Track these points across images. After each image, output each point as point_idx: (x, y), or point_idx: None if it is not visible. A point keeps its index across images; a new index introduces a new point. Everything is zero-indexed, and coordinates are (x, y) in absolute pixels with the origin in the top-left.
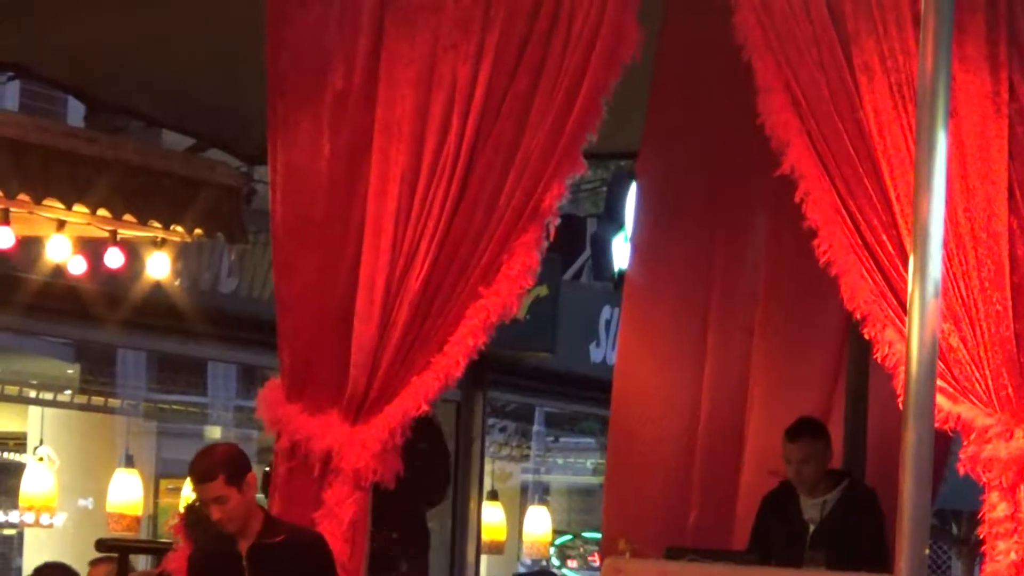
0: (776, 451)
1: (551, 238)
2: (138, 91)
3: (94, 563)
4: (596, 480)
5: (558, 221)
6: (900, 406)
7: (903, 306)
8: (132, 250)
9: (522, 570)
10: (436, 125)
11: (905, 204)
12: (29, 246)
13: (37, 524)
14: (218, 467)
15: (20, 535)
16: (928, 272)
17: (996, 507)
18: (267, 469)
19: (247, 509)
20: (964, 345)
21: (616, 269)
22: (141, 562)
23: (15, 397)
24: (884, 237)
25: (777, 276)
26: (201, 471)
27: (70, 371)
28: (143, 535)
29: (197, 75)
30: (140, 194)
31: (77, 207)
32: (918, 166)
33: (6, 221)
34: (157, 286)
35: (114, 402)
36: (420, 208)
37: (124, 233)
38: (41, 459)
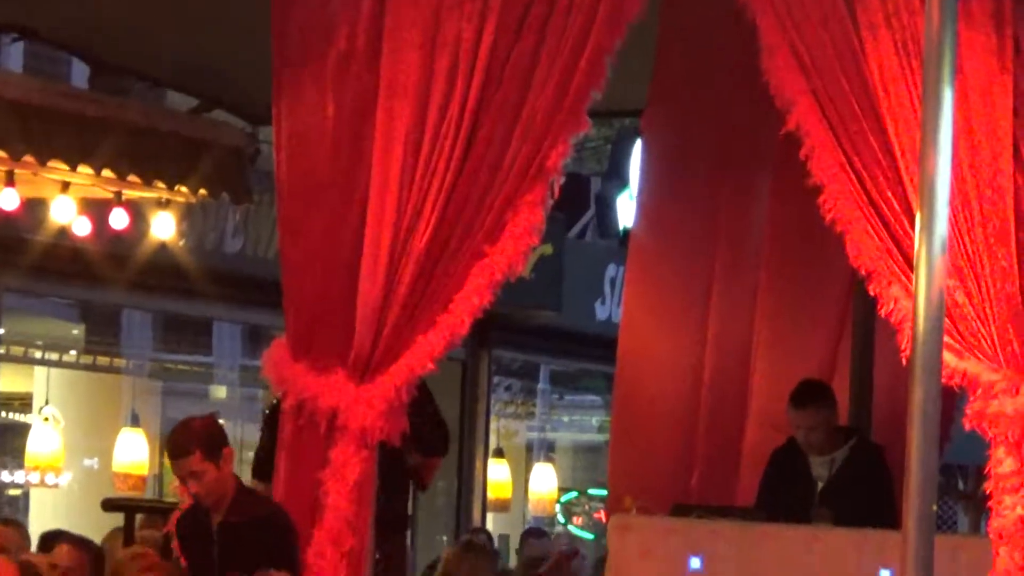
0: (780, 408)
1: (555, 197)
2: (142, 52)
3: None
4: (601, 438)
5: (563, 180)
6: (906, 362)
7: (909, 262)
8: (137, 211)
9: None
10: (440, 86)
11: (910, 161)
12: (34, 207)
13: (43, 484)
14: (195, 442)
15: (26, 495)
16: (934, 229)
17: (1002, 462)
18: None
19: (223, 483)
20: (970, 301)
21: (621, 227)
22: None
23: (21, 358)
24: (889, 194)
25: (782, 233)
26: (178, 446)
27: (75, 331)
28: (149, 494)
29: (201, 36)
30: (145, 155)
31: (82, 168)
32: (924, 123)
33: (11, 183)
34: (162, 247)
35: (119, 362)
36: (425, 168)
37: (129, 194)
38: (47, 419)
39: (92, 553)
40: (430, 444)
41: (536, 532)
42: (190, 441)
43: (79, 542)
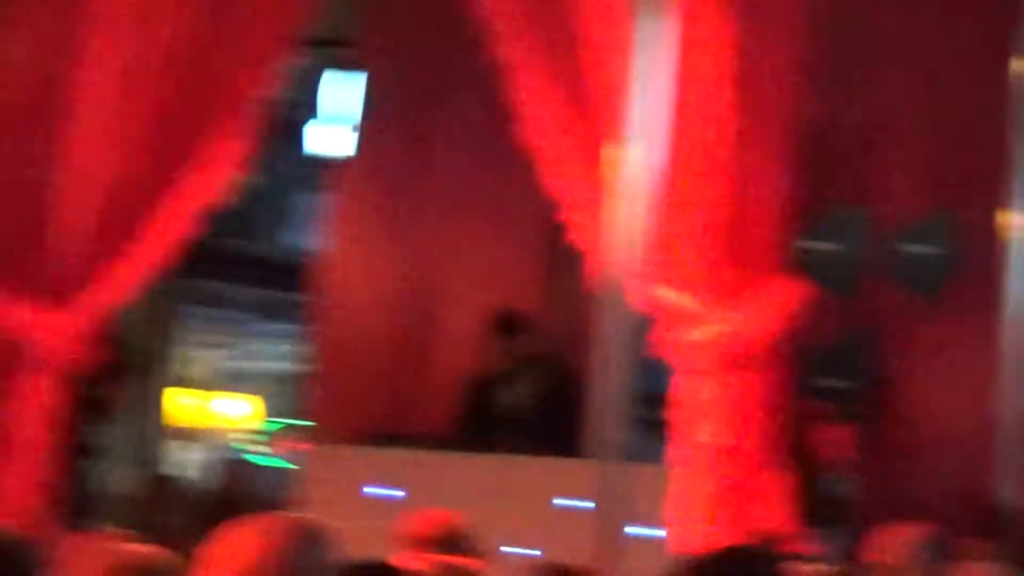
0: (476, 336)
1: (255, 125)
2: None
3: None
4: (295, 367)
5: (262, 108)
6: (597, 290)
7: (605, 190)
8: None
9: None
10: (140, 13)
11: (614, 90)
12: None
13: None
14: None
15: None
16: (632, 157)
17: (690, 390)
18: None
19: None
20: (665, 229)
21: (314, 156)
22: None
23: None
24: (592, 124)
25: (482, 161)
26: None
27: None
28: None
29: None
30: None
31: None
32: (634, 56)
33: None
34: None
35: None
36: (119, 94)
37: None
38: None
39: None
40: (111, 372)
41: (237, 461)
42: None
43: None
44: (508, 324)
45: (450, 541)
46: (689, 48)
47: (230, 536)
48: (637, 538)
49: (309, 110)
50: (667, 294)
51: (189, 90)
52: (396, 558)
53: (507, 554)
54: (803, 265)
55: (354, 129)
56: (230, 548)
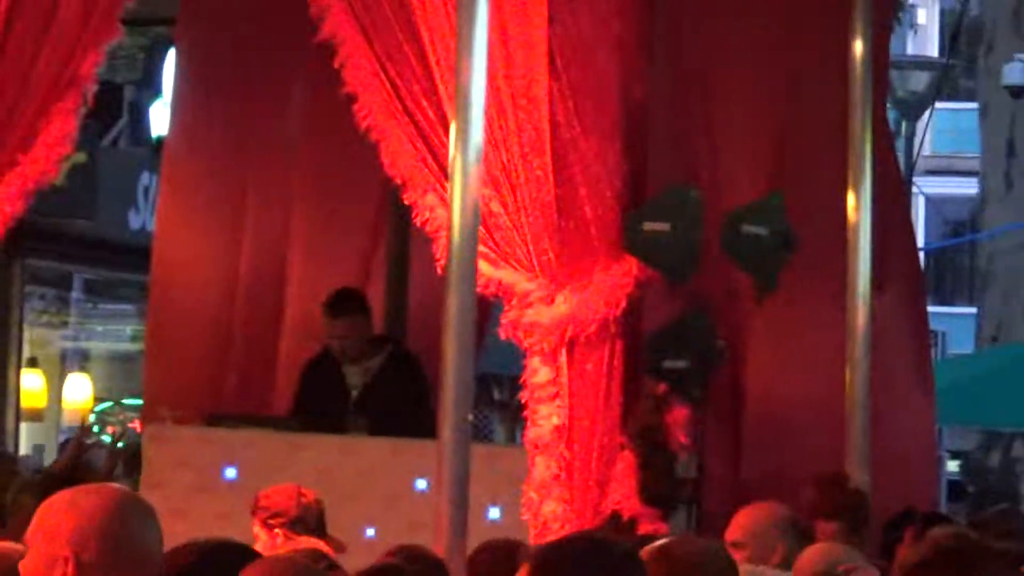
0: (316, 316)
1: (89, 104)
2: None
3: None
4: (136, 347)
5: (96, 87)
6: (441, 272)
7: (444, 172)
8: None
9: (62, 438)
10: None
11: (445, 71)
12: None
13: None
14: None
15: None
16: (469, 138)
17: (538, 372)
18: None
19: None
20: (505, 210)
21: (155, 135)
22: None
23: None
24: (425, 103)
25: (318, 140)
26: None
27: None
28: None
29: None
30: None
31: None
32: (459, 32)
33: None
34: None
35: None
36: None
37: None
38: None
39: None
40: None
41: (78, 441)
42: None
43: None
44: (346, 303)
45: (304, 518)
46: (505, 23)
47: (54, 504)
48: (490, 521)
49: (154, 90)
50: (505, 274)
51: (23, 69)
52: (252, 538)
53: (359, 536)
54: (638, 246)
55: (166, 106)
56: (53, 515)
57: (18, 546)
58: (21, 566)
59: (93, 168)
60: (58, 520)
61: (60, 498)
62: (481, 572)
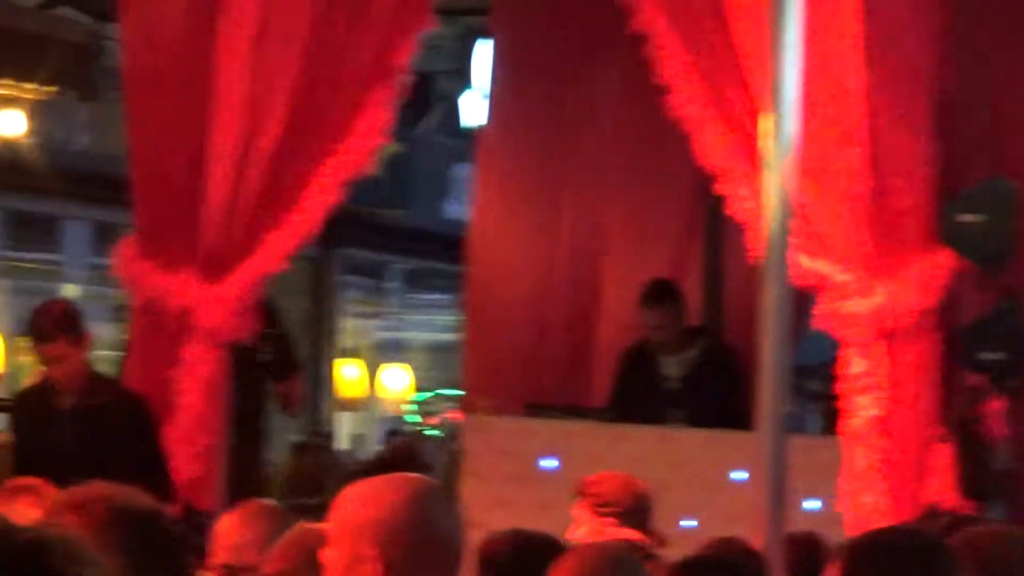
0: (632, 305)
1: (403, 95)
2: None
3: None
4: (451, 337)
5: (409, 78)
6: (755, 263)
7: (757, 163)
8: None
9: (380, 428)
10: None
11: (757, 61)
12: None
13: None
14: (59, 327)
15: None
16: (783, 129)
17: (854, 363)
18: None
19: (84, 367)
20: (820, 201)
21: (468, 125)
22: None
23: None
24: (737, 93)
25: (632, 131)
26: (43, 331)
27: None
28: (2, 393)
29: None
30: None
31: None
32: (772, 22)
33: None
34: (9, 144)
35: None
36: (272, 65)
37: None
38: None
39: None
40: (283, 369)
41: (396, 431)
42: (56, 325)
43: None
44: (661, 294)
45: (633, 508)
46: (820, 15)
47: (356, 497)
48: (806, 512)
49: (466, 80)
50: (820, 266)
51: (338, 60)
52: (572, 528)
53: (679, 528)
54: (953, 237)
55: (484, 97)
56: (356, 508)
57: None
58: (323, 556)
59: (407, 158)
60: (363, 515)
61: (362, 491)
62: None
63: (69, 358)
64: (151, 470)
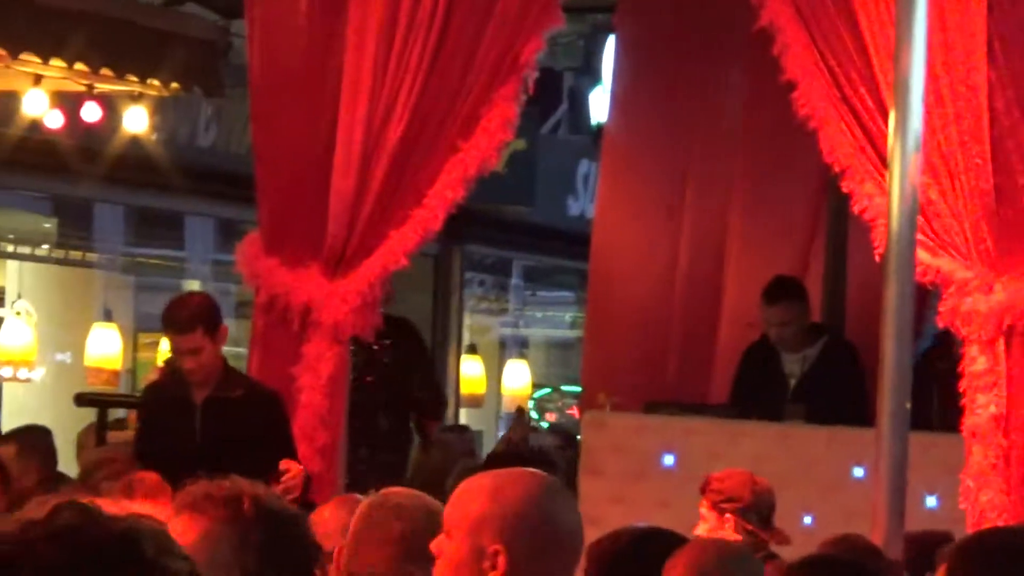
0: (754, 303)
1: (529, 91)
2: None
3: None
4: (574, 334)
5: (536, 74)
6: (879, 260)
7: (882, 160)
8: (109, 104)
9: (502, 424)
10: None
11: (884, 58)
12: (6, 100)
13: (15, 379)
14: (197, 318)
15: None
16: (908, 126)
17: (976, 360)
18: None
19: (218, 360)
20: (943, 199)
21: (594, 123)
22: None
23: None
24: (863, 90)
25: (756, 128)
26: (180, 322)
27: (47, 225)
28: (122, 389)
29: None
30: (117, 48)
31: (54, 61)
32: (898, 20)
33: None
34: (134, 140)
35: (91, 256)
36: (398, 62)
37: (101, 87)
38: (19, 313)
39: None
40: (431, 410)
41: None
42: (193, 317)
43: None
44: (784, 291)
45: (756, 506)
46: (944, 10)
47: (476, 490)
48: (925, 509)
49: (594, 77)
50: (943, 263)
51: (464, 56)
52: (692, 524)
53: (797, 523)
54: None
55: (605, 94)
56: (476, 503)
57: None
58: (434, 547)
59: (532, 155)
60: (485, 509)
61: (481, 485)
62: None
63: (205, 350)
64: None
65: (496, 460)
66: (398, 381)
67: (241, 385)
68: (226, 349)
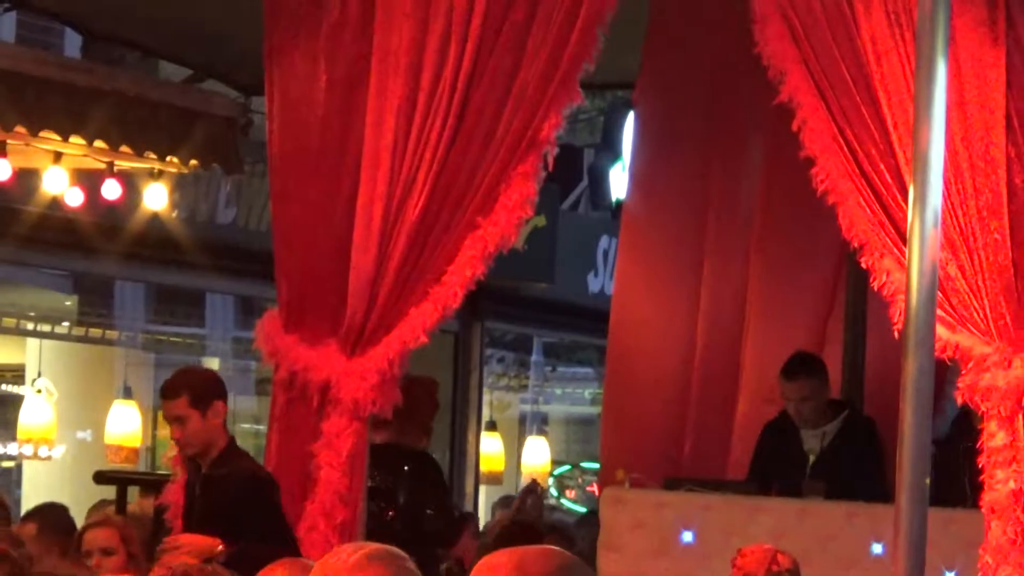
0: (772, 381)
1: (549, 168)
2: (135, 22)
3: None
4: (594, 410)
5: (555, 151)
6: (898, 335)
7: (901, 235)
8: (129, 181)
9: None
10: (433, 55)
11: (903, 133)
12: (26, 178)
13: (36, 456)
14: (184, 386)
15: (19, 467)
16: (927, 201)
17: (995, 436)
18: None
19: (208, 435)
20: (962, 274)
21: (614, 199)
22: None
23: (13, 329)
24: (882, 166)
25: (774, 205)
26: (167, 387)
27: (68, 303)
28: (141, 467)
29: (193, 5)
30: (137, 125)
31: (74, 138)
32: (917, 95)
33: (3, 153)
34: (154, 217)
35: (112, 334)
36: (417, 138)
37: (121, 164)
38: (39, 391)
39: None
40: (454, 535)
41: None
42: (181, 385)
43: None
44: (803, 367)
45: None
46: (963, 86)
47: (497, 566)
48: None
49: (613, 153)
50: (961, 338)
51: (484, 132)
52: None
53: None
54: None
55: (624, 169)
56: (499, 570)
57: None
58: None
59: (552, 231)
60: (502, 567)
61: (502, 562)
62: None
63: (190, 421)
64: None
65: (512, 536)
66: (414, 516)
67: (228, 465)
68: (246, 426)
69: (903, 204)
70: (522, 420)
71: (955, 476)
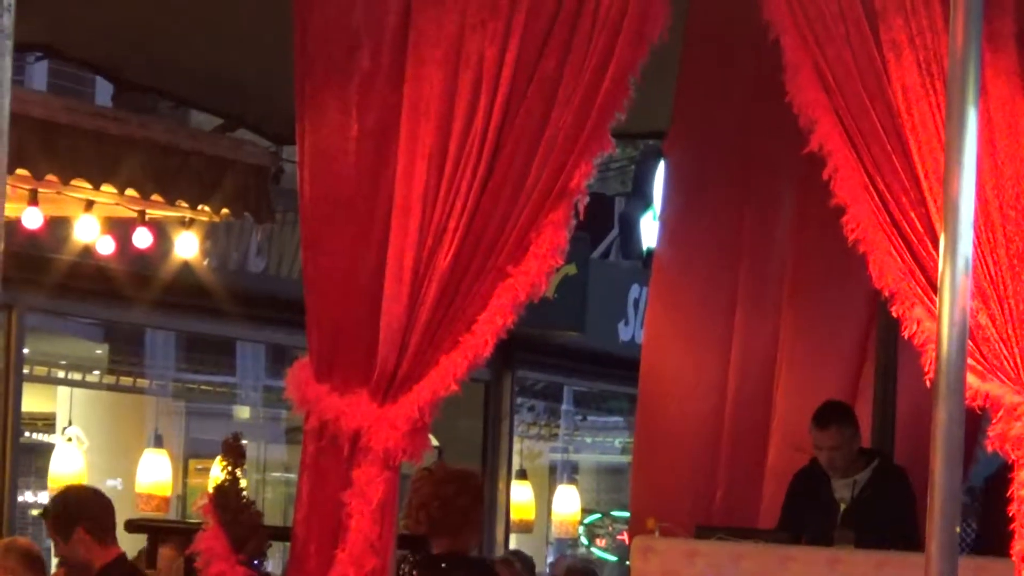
0: (803, 429)
1: (579, 217)
2: (166, 71)
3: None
4: (625, 459)
5: (586, 200)
6: (929, 384)
7: (932, 284)
8: (160, 230)
9: (551, 551)
10: (464, 105)
11: (934, 182)
12: (58, 226)
13: None
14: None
15: None
16: (958, 250)
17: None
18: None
19: (77, 557)
20: (993, 323)
21: (644, 248)
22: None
23: (44, 378)
24: (913, 215)
25: (805, 253)
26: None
27: (99, 351)
28: (172, 515)
29: (225, 54)
30: (168, 174)
31: (105, 187)
32: (948, 144)
33: (35, 202)
34: (185, 266)
35: (143, 382)
36: (448, 188)
37: (152, 213)
38: (70, 440)
39: None
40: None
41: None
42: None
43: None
44: (833, 415)
45: None
46: (994, 134)
47: None
48: None
49: (644, 202)
50: (992, 387)
51: (514, 181)
52: None
53: None
54: None
55: (655, 218)
56: None
57: None
58: None
59: (583, 280)
60: None
61: None
62: None
63: (57, 545)
64: None
65: None
66: None
67: None
68: (276, 475)
69: (934, 253)
70: (552, 469)
71: (997, 524)
